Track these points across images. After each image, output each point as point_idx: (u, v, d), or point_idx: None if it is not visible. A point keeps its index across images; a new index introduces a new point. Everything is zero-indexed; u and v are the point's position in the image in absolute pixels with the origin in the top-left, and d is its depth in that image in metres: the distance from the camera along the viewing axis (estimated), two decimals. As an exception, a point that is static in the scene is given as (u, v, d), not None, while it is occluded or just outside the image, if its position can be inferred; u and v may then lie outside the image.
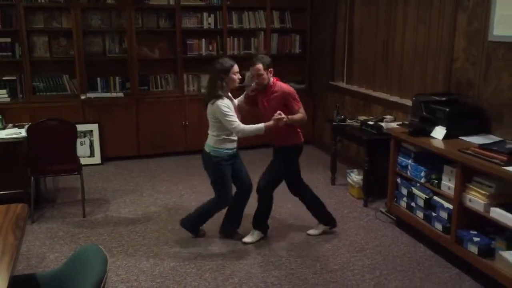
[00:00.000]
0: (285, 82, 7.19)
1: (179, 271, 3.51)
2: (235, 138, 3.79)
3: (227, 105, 3.63)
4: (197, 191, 5.12)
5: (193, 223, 4.03)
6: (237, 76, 3.73)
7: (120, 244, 3.92)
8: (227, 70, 3.67)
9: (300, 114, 3.79)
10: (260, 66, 3.72)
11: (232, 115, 3.63)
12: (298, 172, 4.04)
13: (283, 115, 3.63)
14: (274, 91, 3.79)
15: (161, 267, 3.57)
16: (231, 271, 3.50)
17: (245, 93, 4.00)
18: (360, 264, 3.61)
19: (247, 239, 3.96)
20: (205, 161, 3.84)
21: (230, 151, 3.78)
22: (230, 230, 4.04)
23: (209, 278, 3.41)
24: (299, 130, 3.92)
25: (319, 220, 4.12)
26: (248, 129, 3.66)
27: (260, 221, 4.01)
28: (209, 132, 3.79)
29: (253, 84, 3.87)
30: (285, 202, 4.57)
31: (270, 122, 3.67)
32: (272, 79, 3.82)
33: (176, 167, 5.88)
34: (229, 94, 3.80)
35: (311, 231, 4.10)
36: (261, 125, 3.69)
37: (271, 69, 3.80)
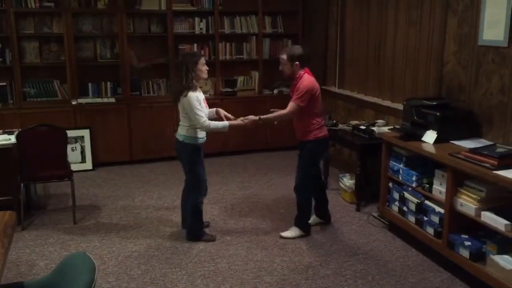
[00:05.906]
0: (276, 86, 7.12)
1: (170, 277, 3.49)
2: None
3: (197, 98, 3.70)
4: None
5: (193, 229, 4.02)
6: (204, 68, 3.80)
7: (111, 251, 3.88)
8: (196, 62, 3.73)
9: (279, 112, 3.92)
10: (284, 56, 3.94)
11: (199, 109, 3.69)
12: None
13: (250, 117, 3.83)
14: (296, 83, 3.92)
15: (152, 273, 3.54)
16: (222, 278, 3.48)
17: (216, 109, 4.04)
18: (352, 269, 3.60)
19: (285, 233, 4.09)
20: (179, 151, 3.88)
21: (203, 139, 3.88)
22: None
23: (201, 285, 3.39)
24: (317, 123, 3.97)
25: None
26: (213, 125, 3.74)
27: (299, 219, 4.12)
28: (181, 123, 3.83)
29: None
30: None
31: (235, 121, 3.82)
32: (300, 72, 3.94)
33: (169, 172, 5.84)
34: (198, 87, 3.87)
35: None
36: (226, 122, 3.81)
37: (297, 62, 3.91)
